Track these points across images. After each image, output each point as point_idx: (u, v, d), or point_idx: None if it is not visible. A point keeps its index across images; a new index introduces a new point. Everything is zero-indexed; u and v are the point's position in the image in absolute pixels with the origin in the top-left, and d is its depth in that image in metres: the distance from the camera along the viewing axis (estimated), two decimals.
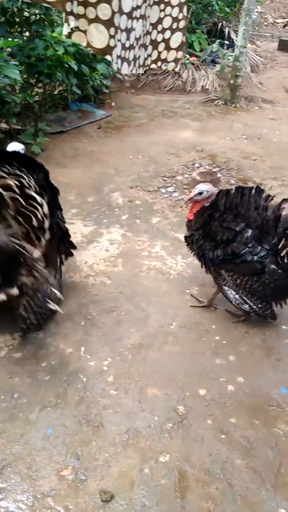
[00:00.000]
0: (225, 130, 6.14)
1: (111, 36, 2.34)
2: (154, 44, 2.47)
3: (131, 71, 2.62)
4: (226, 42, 8.55)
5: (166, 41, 2.44)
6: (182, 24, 2.38)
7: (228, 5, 8.13)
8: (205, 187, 2.78)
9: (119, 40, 2.40)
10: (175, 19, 2.38)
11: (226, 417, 2.40)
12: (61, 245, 2.93)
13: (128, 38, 2.45)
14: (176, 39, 2.43)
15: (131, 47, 2.49)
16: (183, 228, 3.25)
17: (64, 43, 4.59)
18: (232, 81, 6.58)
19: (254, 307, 2.88)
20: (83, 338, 2.83)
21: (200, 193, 2.77)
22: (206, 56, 7.72)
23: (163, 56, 2.47)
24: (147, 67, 2.51)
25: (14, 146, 3.16)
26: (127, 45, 2.47)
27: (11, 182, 2.44)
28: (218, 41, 7.74)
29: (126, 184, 4.64)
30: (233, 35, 8.52)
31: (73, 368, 2.63)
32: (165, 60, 2.47)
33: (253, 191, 2.77)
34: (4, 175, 2.48)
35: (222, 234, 2.75)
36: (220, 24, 8.84)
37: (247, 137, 5.92)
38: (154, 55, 2.51)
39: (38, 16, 4.93)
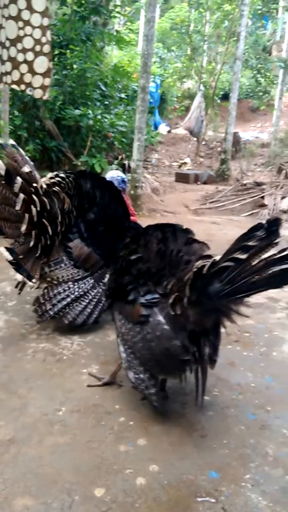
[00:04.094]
0: None
1: None
2: (14, 63, 2.30)
3: None
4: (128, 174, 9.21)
5: (29, 63, 2.28)
6: (46, 48, 2.27)
7: (124, 136, 8.97)
8: None
9: None
10: (38, 42, 2.28)
11: None
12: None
13: None
14: (41, 63, 2.28)
15: None
16: None
17: None
18: (132, 192, 6.82)
19: (137, 376, 2.13)
20: None
21: None
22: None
23: (27, 80, 2.28)
24: (6, 84, 2.27)
25: (112, 174, 3.50)
26: None
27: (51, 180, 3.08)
28: (116, 161, 8.28)
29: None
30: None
31: None
32: (29, 85, 2.28)
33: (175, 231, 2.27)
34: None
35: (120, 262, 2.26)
36: (120, 157, 9.65)
37: None
38: (15, 75, 2.31)
39: None
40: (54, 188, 3.08)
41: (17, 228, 2.90)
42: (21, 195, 2.82)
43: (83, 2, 7.98)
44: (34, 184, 2.93)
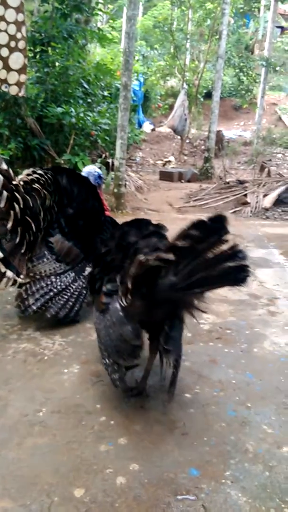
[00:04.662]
0: None
1: None
2: None
3: None
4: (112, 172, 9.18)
5: (4, 59, 2.25)
6: (21, 44, 2.24)
7: (107, 135, 8.93)
8: None
9: None
10: (13, 37, 2.25)
11: None
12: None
13: None
14: (16, 59, 2.26)
15: None
16: None
17: None
18: (116, 190, 6.81)
19: (104, 361, 2.21)
20: None
21: None
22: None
23: (2, 76, 2.25)
24: None
25: (89, 168, 3.66)
26: None
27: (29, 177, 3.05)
28: (99, 159, 8.25)
29: None
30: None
31: None
32: (5, 81, 2.24)
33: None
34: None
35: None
36: (103, 155, 9.61)
37: None
38: None
39: None
40: (33, 185, 3.07)
41: (3, 226, 2.91)
42: (4, 193, 2.83)
43: None
44: (14, 182, 2.93)
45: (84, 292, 3.12)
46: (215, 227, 1.72)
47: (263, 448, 2.00)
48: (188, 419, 2.18)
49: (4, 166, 2.88)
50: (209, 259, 1.75)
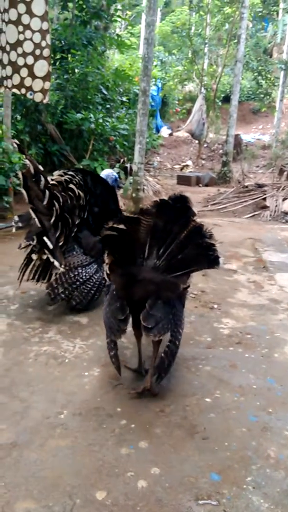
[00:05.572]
0: None
1: None
2: (15, 67, 2.32)
3: None
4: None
5: (30, 67, 2.30)
6: (46, 52, 2.29)
7: (125, 140, 9.01)
8: None
9: None
10: (38, 46, 2.30)
11: None
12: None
13: None
14: (41, 67, 2.30)
15: None
16: (83, 312, 3.36)
17: None
18: (134, 195, 6.84)
19: (107, 340, 2.47)
20: None
21: None
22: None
23: (27, 83, 2.30)
24: (7, 88, 2.29)
25: (107, 172, 4.12)
26: None
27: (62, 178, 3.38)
28: (118, 164, 8.31)
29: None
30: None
31: None
32: (30, 89, 2.30)
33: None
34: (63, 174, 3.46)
35: None
36: (122, 160, 9.68)
37: None
38: (16, 79, 2.33)
39: None
40: (68, 185, 3.40)
41: (47, 220, 3.20)
42: (47, 192, 3.17)
43: (84, 6, 8.04)
44: (53, 182, 3.32)
45: (104, 282, 3.32)
46: (181, 208, 1.91)
47: (285, 454, 1.98)
48: (208, 423, 2.17)
49: (41, 168, 3.18)
50: (178, 241, 2.01)
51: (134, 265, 2.16)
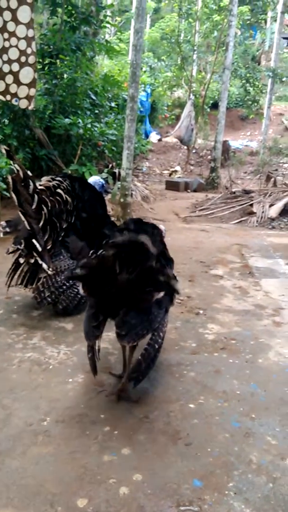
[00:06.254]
0: None
1: None
2: (0, 74, 2.32)
3: None
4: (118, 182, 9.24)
5: (15, 74, 2.31)
6: (31, 59, 2.30)
7: (114, 145, 9.01)
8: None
9: None
10: (23, 53, 2.30)
11: None
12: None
13: None
14: (27, 74, 2.31)
15: None
16: (68, 317, 3.38)
17: None
18: (122, 200, 6.85)
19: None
20: None
21: None
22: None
23: (12, 90, 2.30)
24: None
25: (94, 178, 4.20)
26: None
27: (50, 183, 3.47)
28: (106, 169, 8.31)
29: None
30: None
31: None
32: (15, 95, 2.30)
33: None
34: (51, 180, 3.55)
35: None
36: (110, 165, 9.69)
37: None
38: (1, 86, 2.33)
39: None
40: (56, 190, 3.48)
41: (36, 224, 3.26)
42: (36, 196, 3.23)
43: (73, 12, 8.06)
44: (41, 187, 3.38)
45: None
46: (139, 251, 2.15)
47: (267, 459, 2.00)
48: (192, 429, 2.18)
49: (30, 173, 3.22)
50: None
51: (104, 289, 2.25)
